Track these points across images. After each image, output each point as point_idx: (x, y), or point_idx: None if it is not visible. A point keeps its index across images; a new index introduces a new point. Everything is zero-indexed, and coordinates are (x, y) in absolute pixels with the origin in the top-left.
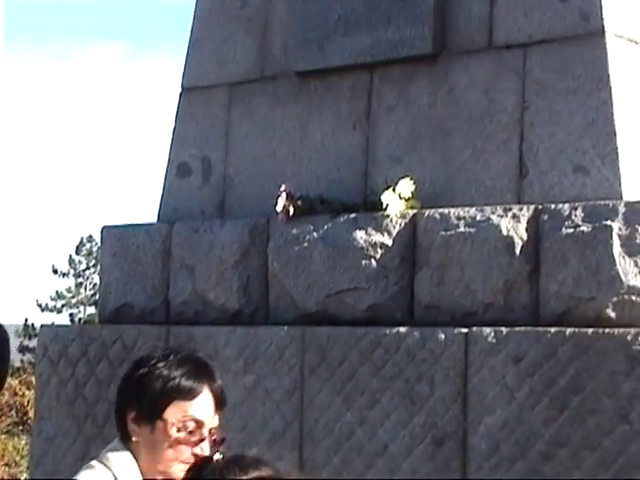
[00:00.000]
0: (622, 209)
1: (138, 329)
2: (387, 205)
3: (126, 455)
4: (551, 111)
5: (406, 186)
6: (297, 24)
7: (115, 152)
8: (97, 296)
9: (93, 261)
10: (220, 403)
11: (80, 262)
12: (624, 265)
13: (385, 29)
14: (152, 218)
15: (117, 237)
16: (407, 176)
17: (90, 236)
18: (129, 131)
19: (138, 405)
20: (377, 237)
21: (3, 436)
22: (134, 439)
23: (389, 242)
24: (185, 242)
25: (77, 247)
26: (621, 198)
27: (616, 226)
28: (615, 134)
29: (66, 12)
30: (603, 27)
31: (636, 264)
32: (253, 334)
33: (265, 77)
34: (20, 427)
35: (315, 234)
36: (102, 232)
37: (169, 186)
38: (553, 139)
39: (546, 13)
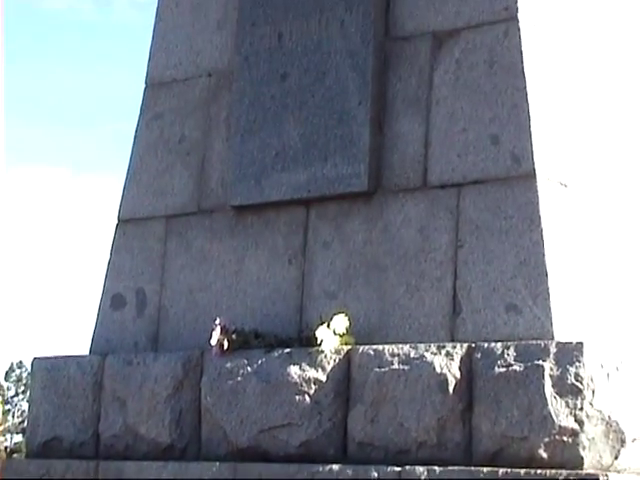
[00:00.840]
0: (553, 349)
1: (66, 464)
2: (322, 341)
3: None
4: (484, 250)
5: (341, 322)
6: (235, 159)
7: (49, 279)
8: (25, 424)
9: (22, 387)
10: None
11: (9, 388)
12: (555, 405)
13: (322, 166)
14: (84, 350)
15: (48, 369)
16: (342, 312)
17: (20, 362)
18: (64, 260)
19: None
20: (311, 373)
21: None
22: None
23: (323, 378)
24: (117, 375)
25: (6, 373)
26: (553, 338)
27: (547, 366)
28: (546, 274)
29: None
30: (534, 170)
31: (567, 404)
32: (185, 469)
33: (202, 210)
34: None
35: (249, 368)
36: (33, 364)
37: (102, 317)
38: (486, 278)
39: (479, 155)
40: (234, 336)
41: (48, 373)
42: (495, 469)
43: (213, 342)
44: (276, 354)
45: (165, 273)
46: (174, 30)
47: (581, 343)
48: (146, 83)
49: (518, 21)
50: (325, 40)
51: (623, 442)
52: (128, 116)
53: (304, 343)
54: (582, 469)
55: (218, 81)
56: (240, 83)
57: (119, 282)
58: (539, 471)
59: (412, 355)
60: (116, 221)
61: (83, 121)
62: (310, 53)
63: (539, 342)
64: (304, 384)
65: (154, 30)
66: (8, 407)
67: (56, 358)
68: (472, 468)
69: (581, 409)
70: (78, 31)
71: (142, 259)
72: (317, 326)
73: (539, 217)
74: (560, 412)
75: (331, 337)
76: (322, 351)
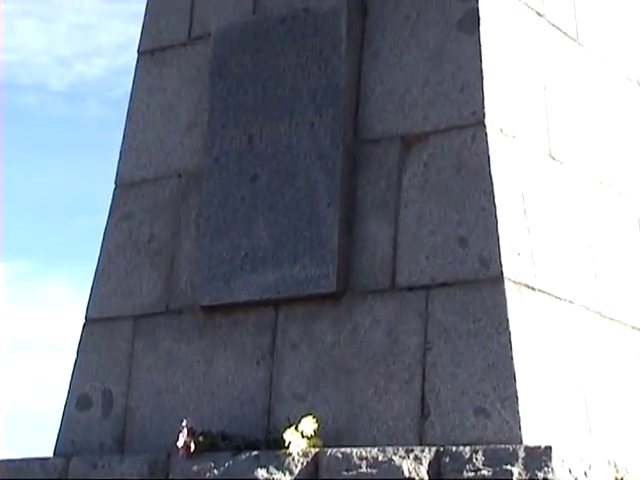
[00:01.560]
0: (522, 454)
1: None
2: (289, 443)
3: None
4: (453, 353)
5: (309, 424)
6: (204, 259)
7: (12, 378)
8: None
9: None
10: None
11: None
12: None
13: (291, 267)
14: (49, 451)
15: (11, 471)
16: (310, 414)
17: None
18: (27, 358)
19: None
20: (279, 476)
21: None
22: None
23: None
24: (82, 477)
25: None
26: (521, 442)
27: (516, 471)
28: (514, 378)
29: None
30: (502, 273)
31: None
32: None
33: (170, 311)
34: None
35: (216, 471)
36: None
37: (68, 418)
38: (455, 381)
39: (447, 257)
40: (201, 438)
41: (11, 476)
42: None
43: (180, 444)
44: (243, 457)
45: (132, 374)
46: (144, 131)
47: (549, 447)
48: (116, 183)
49: (485, 126)
50: (295, 142)
51: None
52: (96, 212)
53: (272, 445)
54: None
55: (188, 182)
56: (210, 184)
57: (85, 382)
58: None
59: (380, 459)
60: (83, 320)
61: (50, 215)
62: (280, 155)
63: (507, 446)
64: None
65: (125, 130)
66: None
67: (20, 460)
68: None
69: None
70: (49, 125)
71: (109, 359)
72: (285, 428)
73: (507, 320)
74: None
75: (299, 440)
76: (290, 454)
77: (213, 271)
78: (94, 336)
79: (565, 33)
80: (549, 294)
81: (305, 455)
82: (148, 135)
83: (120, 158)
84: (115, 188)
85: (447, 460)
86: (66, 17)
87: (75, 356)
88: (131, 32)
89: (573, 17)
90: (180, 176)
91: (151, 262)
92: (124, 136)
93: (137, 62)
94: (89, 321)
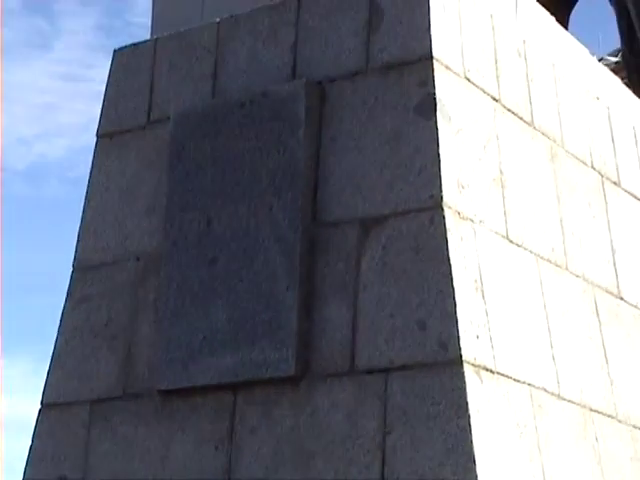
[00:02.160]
0: None
1: None
2: None
3: None
4: (412, 437)
5: None
6: (162, 343)
7: None
8: None
9: None
10: None
11: None
12: None
13: (249, 350)
14: None
15: None
16: None
17: None
18: None
19: None
20: None
21: None
22: None
23: None
24: None
25: None
26: None
27: None
28: (474, 461)
29: None
30: (461, 356)
31: None
32: None
33: (128, 395)
34: None
35: None
36: None
37: None
38: (414, 465)
39: (406, 340)
40: None
41: None
42: None
43: None
44: None
45: (89, 460)
46: (103, 214)
47: None
48: (73, 266)
49: (442, 209)
50: (254, 225)
51: None
52: (57, 292)
53: None
54: None
55: (146, 265)
56: (168, 267)
57: (40, 469)
58: None
59: None
60: (39, 405)
61: (9, 294)
62: (239, 238)
63: None
64: None
65: (83, 213)
66: None
67: None
68: None
69: None
70: (9, 205)
71: (65, 445)
72: None
73: (466, 403)
74: None
75: None
76: None
77: (171, 355)
78: (49, 421)
79: (521, 117)
80: (508, 377)
81: None
82: (106, 218)
83: (78, 241)
84: (73, 271)
85: None
86: (27, 97)
87: (30, 442)
88: (93, 112)
89: (528, 102)
90: (138, 259)
91: (108, 346)
92: (82, 219)
93: (96, 145)
94: (45, 406)
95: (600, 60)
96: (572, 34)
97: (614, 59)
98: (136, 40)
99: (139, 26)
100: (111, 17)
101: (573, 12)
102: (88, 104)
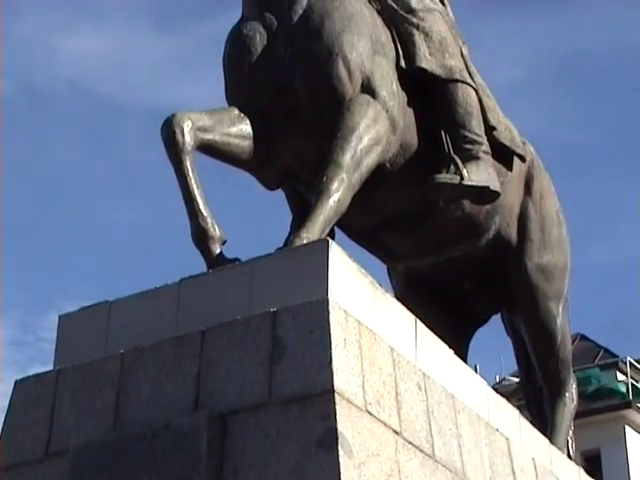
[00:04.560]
0: None
1: None
2: None
3: None
4: None
5: None
6: None
7: None
8: None
9: None
10: None
11: None
12: None
13: None
14: None
15: None
16: None
17: None
18: None
19: None
20: None
21: None
22: None
23: None
24: None
25: None
26: None
27: None
28: None
29: None
30: None
31: None
32: None
33: None
34: None
35: None
36: None
37: None
38: None
39: None
40: None
41: None
42: None
43: None
44: None
45: None
46: None
47: None
48: None
49: None
50: None
51: None
52: None
53: None
54: None
55: None
56: None
57: None
58: None
59: None
60: None
61: None
62: None
63: None
64: None
65: None
66: None
67: None
68: None
69: None
70: None
71: None
72: None
73: None
74: None
75: None
76: None
77: None
78: None
79: (422, 450)
80: None
81: None
82: None
83: None
84: None
85: None
86: None
87: None
88: None
89: (429, 434)
90: None
91: None
92: None
93: None
94: None
95: (502, 380)
96: (475, 355)
97: (516, 379)
98: (45, 355)
99: (49, 341)
100: (24, 332)
101: (478, 332)
102: None
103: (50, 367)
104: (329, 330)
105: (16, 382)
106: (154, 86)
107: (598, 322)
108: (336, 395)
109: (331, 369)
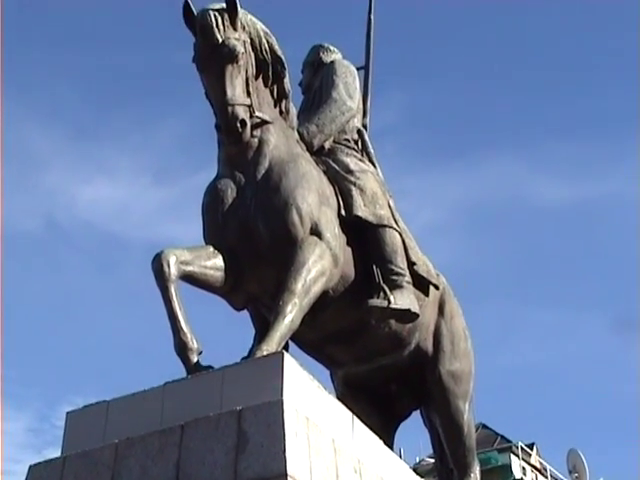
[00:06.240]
0: None
1: None
2: None
3: None
4: None
5: None
6: None
7: None
8: None
9: None
10: None
11: None
12: None
13: None
14: None
15: None
16: None
17: None
18: None
19: None
20: None
21: None
22: None
23: None
24: None
25: None
26: None
27: None
28: None
29: None
30: None
31: None
32: None
33: None
34: None
35: None
36: None
37: None
38: None
39: None
40: None
41: None
42: None
43: None
44: None
45: None
46: None
47: None
48: None
49: None
50: None
51: None
52: None
53: None
54: None
55: None
56: None
57: None
58: None
59: None
60: None
61: None
62: None
63: None
64: None
65: None
66: None
67: None
68: None
69: None
70: None
71: None
72: None
73: None
74: None
75: None
76: None
77: None
78: None
79: None
80: None
81: None
82: None
83: None
84: None
85: None
86: None
87: None
88: None
89: None
90: None
91: None
92: None
93: None
94: None
95: (421, 461)
96: (399, 440)
97: (432, 460)
98: (57, 440)
99: (61, 428)
100: (41, 420)
101: (403, 423)
102: None
103: (60, 452)
104: (283, 425)
105: (30, 466)
106: (151, 226)
107: (498, 412)
108: (289, 478)
109: (284, 457)
